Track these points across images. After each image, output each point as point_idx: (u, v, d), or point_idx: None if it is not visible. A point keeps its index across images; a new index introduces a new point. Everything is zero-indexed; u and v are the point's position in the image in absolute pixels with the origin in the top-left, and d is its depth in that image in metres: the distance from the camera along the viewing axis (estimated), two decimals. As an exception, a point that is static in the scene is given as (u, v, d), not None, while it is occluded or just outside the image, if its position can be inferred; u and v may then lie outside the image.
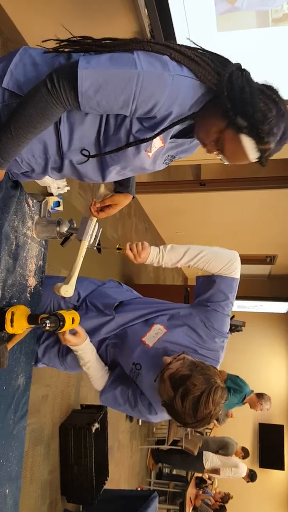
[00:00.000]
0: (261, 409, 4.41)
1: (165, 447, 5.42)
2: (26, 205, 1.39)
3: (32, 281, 1.44)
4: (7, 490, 1.31)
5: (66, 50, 1.14)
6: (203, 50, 1.11)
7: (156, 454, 5.89)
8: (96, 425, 3.21)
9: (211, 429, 6.37)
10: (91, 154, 1.17)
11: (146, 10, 2.22)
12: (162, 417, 1.47)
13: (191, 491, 5.28)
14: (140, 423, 5.70)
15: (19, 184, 1.34)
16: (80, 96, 1.01)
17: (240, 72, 1.05)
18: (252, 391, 4.49)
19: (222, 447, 5.53)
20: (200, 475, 5.66)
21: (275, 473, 7.71)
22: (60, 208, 3.05)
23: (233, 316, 4.09)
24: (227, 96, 1.01)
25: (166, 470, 6.60)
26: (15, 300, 1.34)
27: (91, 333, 1.50)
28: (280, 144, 1.09)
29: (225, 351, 1.50)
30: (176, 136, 1.20)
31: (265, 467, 7.61)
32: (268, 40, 2.25)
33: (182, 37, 2.25)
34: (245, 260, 6.94)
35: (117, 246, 1.49)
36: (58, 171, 1.26)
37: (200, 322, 1.47)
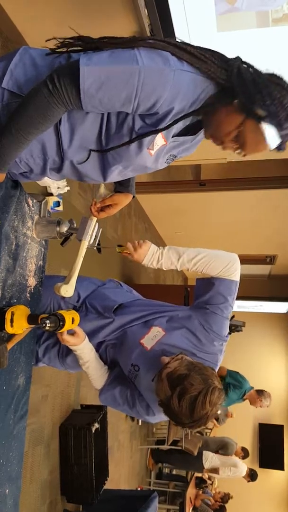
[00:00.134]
0: (260, 405, 4.41)
1: (165, 447, 5.42)
2: (26, 205, 1.39)
3: (32, 281, 1.44)
4: (7, 490, 1.31)
5: (66, 49, 1.14)
6: (202, 47, 1.11)
7: (156, 454, 5.89)
8: (96, 425, 3.21)
9: (211, 429, 6.37)
10: (93, 150, 1.16)
11: (146, 10, 2.22)
12: (160, 418, 1.47)
13: (191, 491, 5.28)
14: (140, 423, 5.70)
15: (18, 184, 1.33)
16: (82, 94, 1.01)
17: (245, 65, 1.07)
18: (252, 387, 4.49)
19: (222, 447, 5.53)
20: (200, 475, 5.66)
21: (275, 473, 7.71)
22: (60, 208, 3.05)
23: (233, 316, 4.10)
24: (241, 90, 1.03)
25: (166, 470, 6.60)
26: (15, 300, 1.34)
27: (90, 335, 1.50)
28: None
29: (225, 351, 1.50)
30: (178, 134, 1.20)
31: (265, 467, 7.60)
32: (268, 40, 2.25)
33: (182, 38, 2.25)
34: (245, 260, 6.94)
35: (117, 245, 1.50)
36: (57, 172, 1.26)
37: (199, 325, 1.46)
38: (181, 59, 1.04)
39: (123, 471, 4.97)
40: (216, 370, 1.37)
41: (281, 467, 7.73)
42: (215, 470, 5.23)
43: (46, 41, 1.15)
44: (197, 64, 1.05)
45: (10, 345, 1.28)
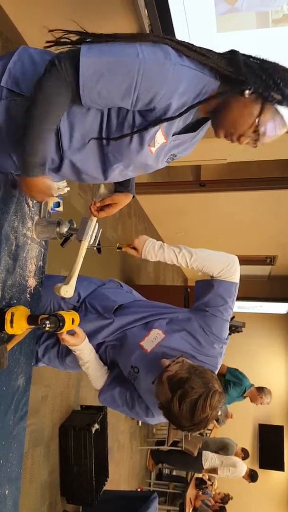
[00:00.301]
0: (261, 402, 4.40)
1: (165, 448, 5.42)
2: (26, 205, 1.39)
3: (32, 282, 1.44)
4: (6, 491, 1.31)
5: (65, 46, 1.14)
6: (202, 47, 1.12)
7: (156, 455, 5.89)
8: (96, 426, 3.20)
9: (211, 430, 6.37)
10: (94, 138, 1.15)
11: (146, 11, 2.22)
12: (159, 419, 1.46)
13: (191, 492, 5.28)
14: (140, 424, 5.69)
15: (18, 183, 1.33)
16: (81, 85, 1.01)
17: (247, 55, 1.09)
18: (252, 384, 4.49)
19: (222, 448, 5.52)
20: (200, 475, 5.66)
21: (275, 474, 7.70)
22: (60, 208, 3.04)
23: (233, 317, 4.09)
24: (253, 78, 1.05)
25: (166, 471, 6.59)
26: (15, 301, 1.34)
27: (90, 335, 1.50)
28: None
29: (225, 352, 1.49)
30: (178, 133, 1.20)
31: (265, 468, 7.59)
32: (268, 41, 2.25)
33: (182, 38, 2.25)
34: (245, 260, 6.95)
35: (117, 245, 1.49)
36: (56, 172, 1.24)
37: (199, 328, 1.46)
38: (182, 54, 1.05)
39: (123, 471, 4.97)
40: (216, 373, 1.37)
41: (281, 467, 7.72)
42: (214, 470, 5.22)
43: (49, 31, 1.14)
44: (199, 59, 1.06)
45: (10, 346, 1.28)
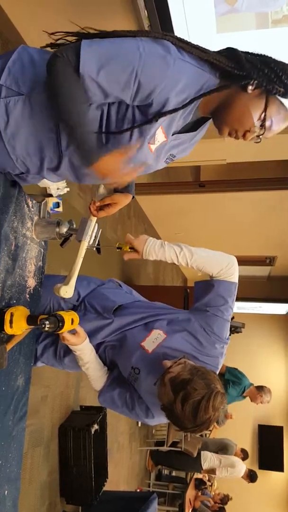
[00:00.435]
0: (261, 401, 4.39)
1: (164, 448, 5.41)
2: (25, 205, 1.39)
3: (31, 282, 1.44)
4: (6, 492, 1.30)
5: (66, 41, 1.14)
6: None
7: (155, 455, 5.88)
8: (96, 427, 3.20)
9: (210, 430, 6.37)
10: (96, 132, 1.15)
11: (146, 11, 2.22)
12: (159, 420, 1.46)
13: (190, 492, 5.27)
14: (139, 424, 5.69)
15: (17, 184, 1.33)
16: (81, 79, 1.01)
17: (245, 52, 1.11)
18: (252, 384, 4.48)
19: (221, 449, 5.52)
20: (200, 476, 5.65)
21: (274, 474, 7.70)
22: (60, 209, 3.04)
23: (232, 318, 4.08)
24: (256, 72, 1.07)
25: (166, 472, 6.59)
26: (15, 301, 1.34)
27: (89, 335, 1.50)
28: None
29: (225, 352, 1.49)
30: (179, 132, 1.20)
31: (265, 469, 7.59)
32: (267, 42, 2.25)
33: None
34: (245, 261, 6.95)
35: (117, 245, 1.49)
36: (54, 171, 1.23)
37: (200, 328, 1.46)
38: (182, 50, 1.06)
39: (123, 472, 4.96)
40: (217, 373, 1.37)
41: (280, 468, 7.72)
42: (212, 471, 5.21)
43: (50, 34, 1.15)
44: (200, 55, 1.07)
45: (9, 346, 1.27)
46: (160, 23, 2.23)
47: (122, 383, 1.51)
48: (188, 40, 1.10)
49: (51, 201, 3.00)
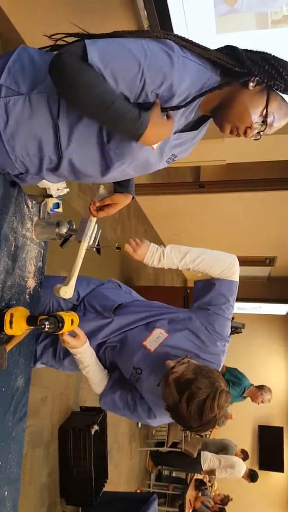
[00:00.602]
0: (262, 400, 4.39)
1: (164, 449, 5.41)
2: (25, 206, 1.39)
3: (31, 283, 1.44)
4: (6, 492, 1.30)
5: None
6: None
7: (155, 456, 5.88)
8: (96, 427, 3.20)
9: (210, 431, 6.36)
10: (93, 140, 1.14)
11: (145, 12, 2.22)
12: (161, 421, 1.46)
13: (190, 493, 5.27)
14: (139, 425, 5.68)
15: (17, 184, 1.32)
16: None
17: (244, 49, 1.12)
18: (252, 384, 4.48)
19: (222, 449, 5.52)
20: (200, 477, 5.65)
21: (274, 475, 7.69)
22: (60, 209, 3.04)
23: (232, 318, 4.08)
24: (258, 69, 1.07)
25: (166, 472, 6.58)
26: (14, 302, 1.34)
27: (89, 336, 1.49)
28: None
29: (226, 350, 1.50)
30: (181, 131, 1.20)
31: (265, 469, 7.58)
32: (267, 42, 2.25)
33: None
34: (245, 261, 6.94)
35: (116, 245, 1.49)
36: (53, 171, 1.22)
37: (201, 326, 1.46)
38: (185, 49, 1.07)
39: (123, 473, 4.96)
40: (220, 371, 1.37)
41: (280, 469, 7.71)
42: (212, 472, 5.21)
43: (50, 36, 1.15)
44: (202, 53, 1.08)
45: (9, 347, 1.27)
46: (160, 23, 2.23)
47: (123, 385, 1.51)
48: (192, 41, 1.10)
49: (51, 202, 3.00)
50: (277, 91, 1.11)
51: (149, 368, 1.42)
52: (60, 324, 1.26)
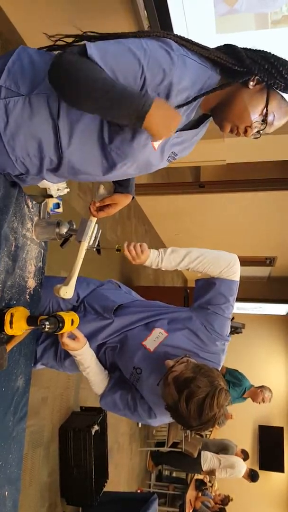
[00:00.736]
0: (263, 398, 4.39)
1: (164, 449, 5.41)
2: (25, 206, 1.39)
3: (31, 283, 1.44)
4: (6, 493, 1.30)
5: (66, 44, 1.14)
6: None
7: (155, 456, 5.88)
8: (96, 427, 3.20)
9: (211, 431, 6.36)
10: (94, 141, 1.13)
11: (145, 12, 2.23)
12: (161, 420, 1.46)
13: (191, 493, 5.27)
14: (139, 425, 5.68)
15: (17, 185, 1.33)
16: None
17: (244, 48, 1.13)
18: (252, 385, 4.48)
19: (222, 450, 5.51)
20: (201, 477, 5.65)
21: (275, 475, 7.68)
22: (60, 209, 3.05)
23: (233, 318, 4.09)
24: (258, 68, 1.08)
25: (166, 473, 6.58)
26: (15, 302, 1.34)
27: (90, 337, 1.50)
28: None
29: (226, 349, 1.50)
30: (182, 130, 1.20)
31: (265, 469, 7.57)
32: (267, 42, 2.25)
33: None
34: (245, 262, 6.92)
35: (116, 247, 1.49)
36: (54, 172, 1.22)
37: (201, 325, 1.46)
38: (184, 48, 1.07)
39: (123, 473, 4.96)
40: (219, 370, 1.37)
41: (281, 469, 7.71)
42: (212, 472, 5.20)
43: (50, 36, 1.15)
44: (201, 52, 1.08)
45: (9, 347, 1.27)
46: (160, 23, 2.23)
47: (123, 386, 1.51)
48: (191, 40, 1.10)
49: (51, 202, 3.00)
50: (277, 90, 1.12)
51: (149, 368, 1.42)
52: (60, 324, 1.26)
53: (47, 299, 1.57)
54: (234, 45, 1.13)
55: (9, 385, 1.32)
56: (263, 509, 7.63)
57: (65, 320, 1.29)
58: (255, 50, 1.12)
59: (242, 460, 5.33)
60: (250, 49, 1.13)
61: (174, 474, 6.61)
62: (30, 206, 1.42)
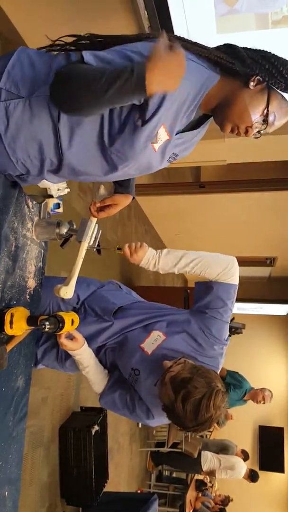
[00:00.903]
0: (263, 397, 4.39)
1: (165, 449, 5.41)
2: (25, 206, 1.39)
3: (31, 283, 1.44)
4: (6, 493, 1.30)
5: (65, 47, 1.14)
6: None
7: (156, 456, 5.88)
8: (96, 428, 3.20)
9: (211, 431, 6.36)
10: (95, 144, 1.13)
11: (146, 12, 2.23)
12: (159, 421, 1.46)
13: (191, 493, 5.27)
14: (140, 425, 5.68)
15: (18, 185, 1.32)
16: None
17: (244, 47, 1.13)
18: (252, 387, 4.49)
19: (222, 450, 5.51)
20: (201, 477, 5.64)
21: (275, 475, 7.68)
22: (60, 210, 3.05)
23: (233, 318, 4.09)
24: (258, 67, 1.08)
25: (166, 473, 6.58)
26: (15, 302, 1.34)
27: (89, 339, 1.50)
28: None
29: (225, 353, 1.49)
30: (182, 131, 1.20)
31: (265, 470, 7.57)
32: (267, 43, 2.25)
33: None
34: (245, 262, 6.94)
35: (117, 247, 1.49)
36: (55, 173, 1.22)
37: (199, 330, 1.46)
38: (184, 48, 1.06)
39: (123, 473, 4.96)
40: (218, 373, 1.37)
41: (281, 469, 7.71)
42: (212, 473, 5.20)
43: (54, 41, 1.16)
44: (200, 51, 1.08)
45: (9, 347, 1.27)
46: (160, 23, 2.23)
47: (122, 385, 1.51)
48: (188, 38, 1.11)
49: (51, 202, 3.00)
50: (277, 90, 1.12)
51: (147, 370, 1.42)
52: (60, 324, 1.26)
53: (47, 300, 1.57)
54: (235, 45, 1.13)
55: (9, 385, 1.32)
56: (263, 510, 7.63)
57: (65, 320, 1.29)
58: (256, 50, 1.12)
59: (242, 460, 5.33)
60: (250, 48, 1.13)
61: (174, 475, 6.61)
62: (31, 206, 1.42)
